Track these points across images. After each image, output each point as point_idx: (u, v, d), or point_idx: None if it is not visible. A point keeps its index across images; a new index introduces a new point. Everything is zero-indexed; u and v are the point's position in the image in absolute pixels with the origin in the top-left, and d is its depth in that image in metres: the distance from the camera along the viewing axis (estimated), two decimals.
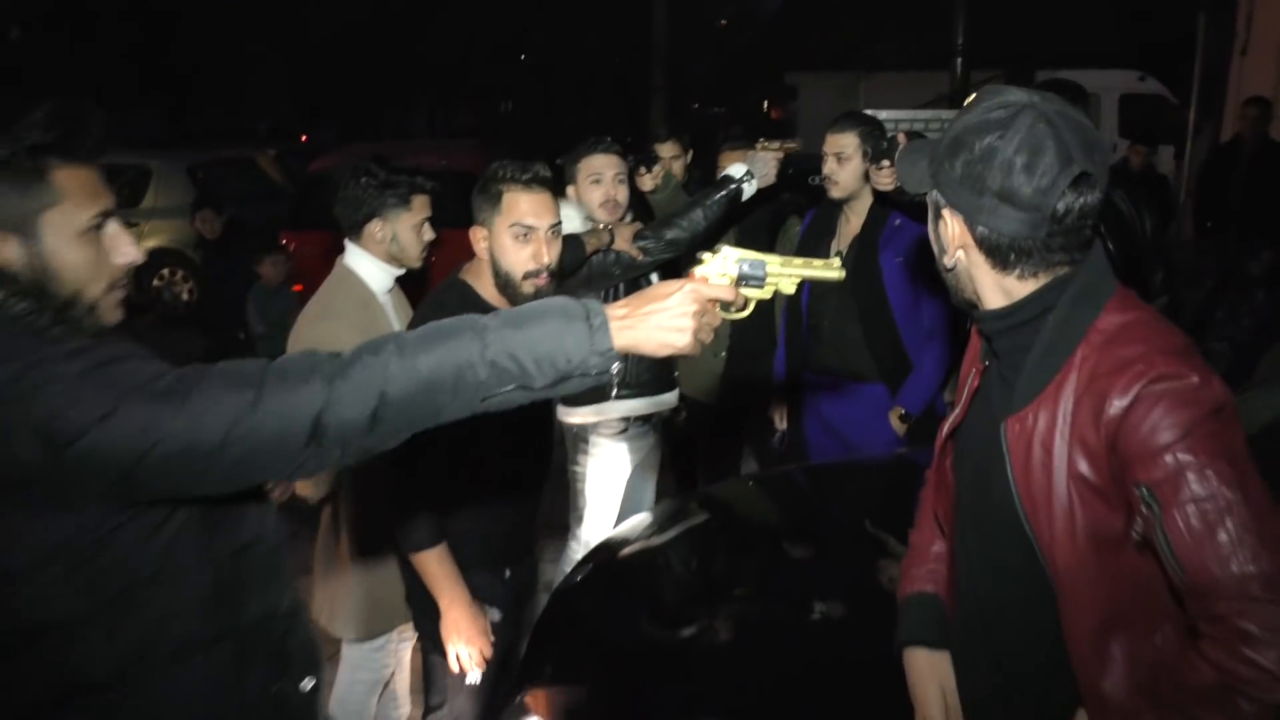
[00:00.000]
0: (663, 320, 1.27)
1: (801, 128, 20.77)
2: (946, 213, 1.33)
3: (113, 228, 1.32)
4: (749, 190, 3.13)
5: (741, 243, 3.64)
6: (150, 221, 9.00)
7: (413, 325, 1.97)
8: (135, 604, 1.26)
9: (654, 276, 3.26)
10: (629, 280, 3.12)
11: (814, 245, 3.31)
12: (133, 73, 26.95)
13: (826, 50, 19.80)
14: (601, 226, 3.02)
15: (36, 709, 1.25)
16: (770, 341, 3.58)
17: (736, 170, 3.14)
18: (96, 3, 26.69)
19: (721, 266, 1.44)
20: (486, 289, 2.21)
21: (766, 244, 3.66)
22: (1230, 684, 1.13)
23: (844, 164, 3.13)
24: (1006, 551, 1.36)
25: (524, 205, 2.14)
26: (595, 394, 3.11)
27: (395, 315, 2.58)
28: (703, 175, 4.38)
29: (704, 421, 3.83)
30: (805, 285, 3.26)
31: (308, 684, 1.47)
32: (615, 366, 1.28)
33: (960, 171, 1.28)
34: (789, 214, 3.86)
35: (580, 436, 3.24)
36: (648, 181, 3.43)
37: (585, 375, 1.26)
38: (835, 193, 3.17)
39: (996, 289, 1.34)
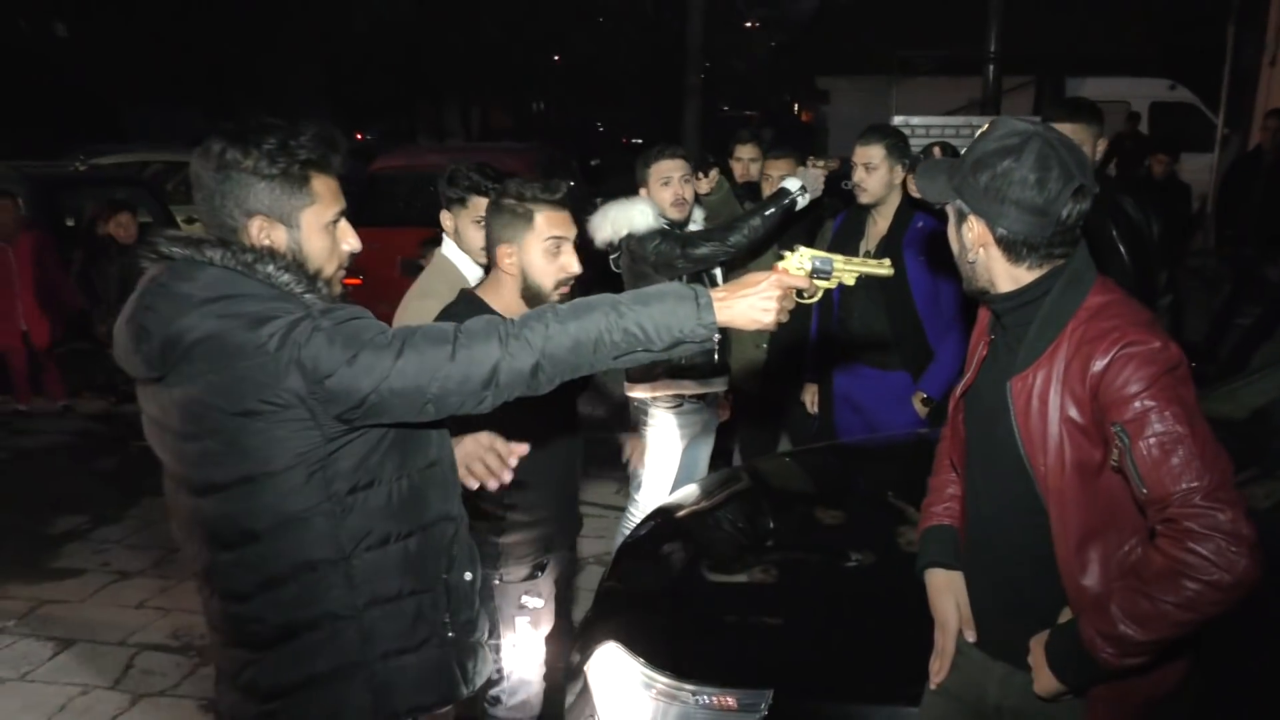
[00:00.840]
0: (754, 302, 1.65)
1: (833, 131, 21.04)
2: (972, 218, 1.68)
3: (343, 223, 1.69)
4: (802, 203, 3.53)
5: (787, 246, 4.03)
6: None
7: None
8: (354, 501, 1.61)
9: (717, 272, 3.69)
10: (693, 274, 3.51)
11: (844, 245, 3.66)
12: (178, 70, 27.63)
13: (858, 55, 19.97)
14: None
15: (274, 580, 1.61)
16: (807, 337, 3.95)
17: (792, 184, 3.53)
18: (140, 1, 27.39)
19: (799, 262, 1.80)
20: (497, 303, 2.31)
21: (805, 243, 4.01)
22: (1177, 569, 1.48)
23: (872, 173, 3.51)
24: (1009, 484, 1.70)
25: (557, 221, 2.30)
26: (651, 371, 3.52)
27: None
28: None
29: (746, 408, 4.20)
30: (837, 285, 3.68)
31: (468, 576, 1.81)
32: (715, 336, 1.65)
33: (984, 185, 1.63)
34: (826, 217, 4.21)
35: (641, 409, 3.63)
36: (704, 185, 3.86)
37: (693, 342, 1.62)
38: (864, 199, 3.55)
39: (1008, 277, 1.69)
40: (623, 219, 3.49)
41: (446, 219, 2.94)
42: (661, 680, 2.19)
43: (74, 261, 6.37)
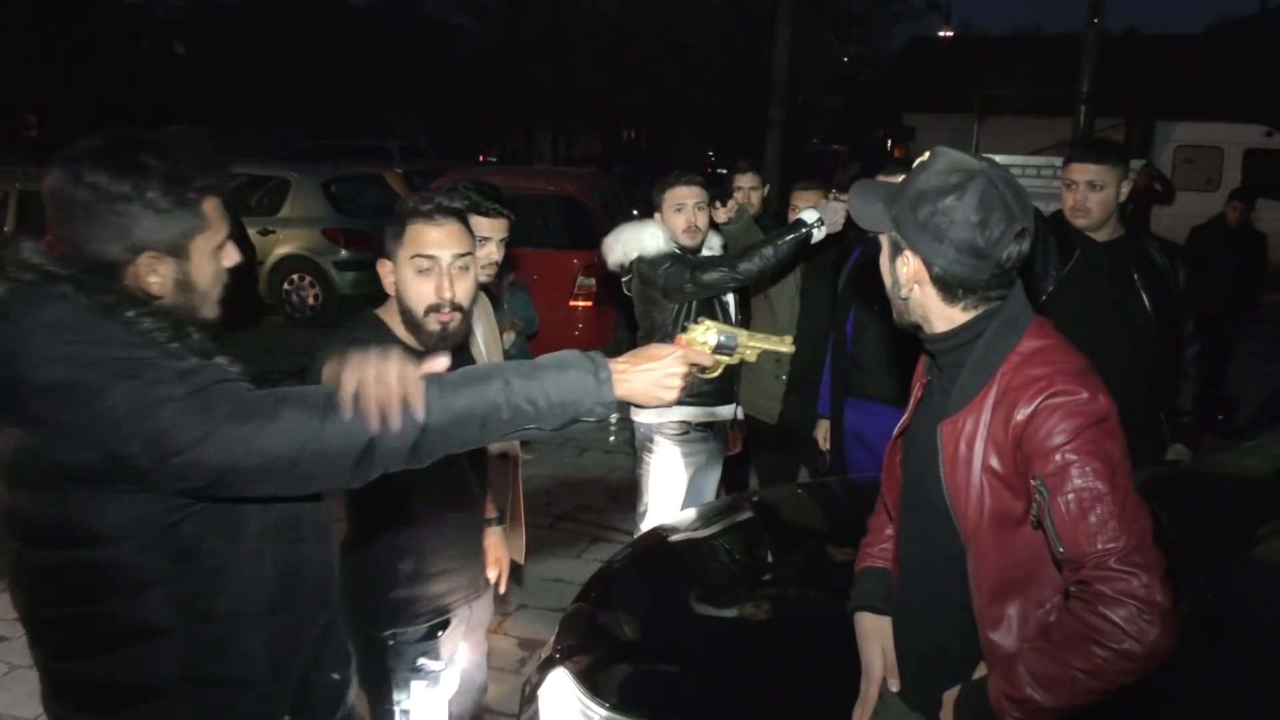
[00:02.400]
0: (657, 378, 1.56)
1: None
2: (908, 253, 1.60)
3: (228, 244, 1.57)
4: (818, 235, 3.44)
5: (810, 279, 3.99)
6: (286, 230, 9.76)
7: (323, 355, 1.95)
8: (196, 571, 1.45)
9: (730, 299, 3.63)
10: (704, 300, 3.47)
11: (861, 280, 3.59)
12: (285, 90, 28.82)
13: (945, 92, 19.76)
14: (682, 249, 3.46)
15: (95, 644, 1.45)
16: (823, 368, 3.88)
17: (810, 215, 3.44)
18: (255, 24, 28.70)
19: (702, 336, 1.75)
20: (398, 324, 2.14)
21: (831, 280, 3.95)
22: (1087, 633, 1.40)
23: None
24: (935, 529, 1.64)
25: (426, 236, 2.05)
26: None
27: (478, 314, 2.93)
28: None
29: (763, 439, 4.13)
30: (850, 316, 3.62)
31: (335, 676, 1.67)
32: (614, 416, 1.53)
33: (922, 221, 1.56)
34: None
35: (646, 437, 3.59)
36: (722, 214, 3.82)
37: (590, 419, 1.51)
38: None
39: (942, 316, 1.62)
40: (633, 241, 3.49)
41: None
42: (599, 711, 2.15)
43: None
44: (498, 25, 30.64)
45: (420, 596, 2.26)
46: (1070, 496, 1.43)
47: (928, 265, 1.58)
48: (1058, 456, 1.45)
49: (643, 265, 3.44)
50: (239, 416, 1.33)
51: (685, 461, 3.59)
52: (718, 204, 3.77)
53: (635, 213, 8.68)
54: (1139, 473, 1.58)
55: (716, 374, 1.77)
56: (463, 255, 2.09)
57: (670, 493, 3.61)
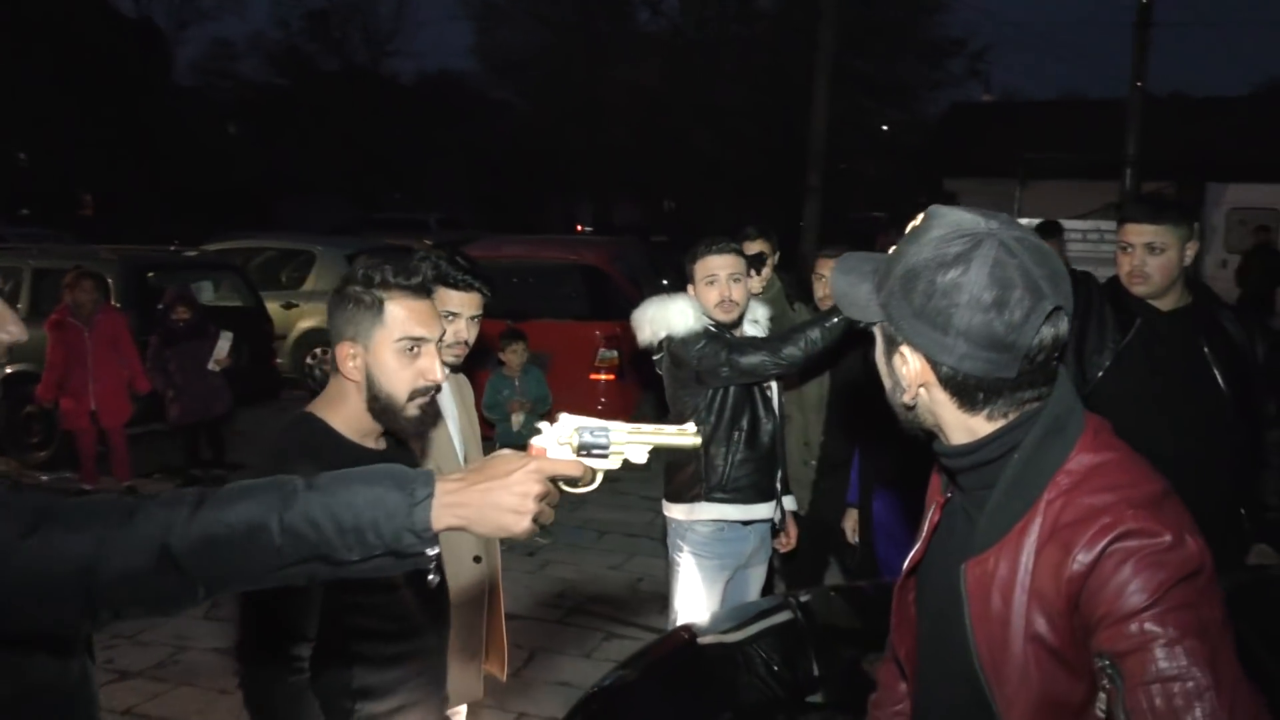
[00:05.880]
0: (501, 500, 1.17)
1: None
2: (906, 350, 1.22)
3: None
4: None
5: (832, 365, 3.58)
6: (309, 303, 9.64)
7: (262, 463, 1.72)
8: None
9: (773, 386, 3.21)
10: (743, 386, 3.08)
11: None
12: (331, 164, 29.43)
13: (986, 158, 19.49)
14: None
15: None
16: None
17: None
18: (304, 103, 29.45)
19: (560, 435, 1.33)
20: (341, 420, 1.84)
21: (862, 363, 3.55)
22: None
23: None
24: (962, 706, 1.23)
25: (414, 314, 1.80)
26: (688, 490, 3.10)
27: (452, 398, 2.63)
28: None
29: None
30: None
31: None
32: (432, 550, 1.15)
33: (919, 306, 1.18)
34: None
35: (677, 535, 3.18)
36: (756, 284, 3.46)
37: (399, 555, 1.13)
38: None
39: (960, 426, 1.23)
40: (660, 319, 3.08)
41: None
42: None
43: (149, 344, 6.46)
44: (537, 98, 31.12)
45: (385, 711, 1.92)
46: (1155, 689, 1.04)
47: (933, 364, 1.20)
48: (1134, 627, 1.06)
49: (674, 344, 3.05)
50: None
51: (718, 564, 3.14)
52: (752, 272, 3.40)
53: (665, 283, 8.46)
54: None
55: (592, 486, 1.34)
56: (442, 335, 1.88)
57: (701, 600, 3.15)
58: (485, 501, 1.16)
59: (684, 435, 1.37)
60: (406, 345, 1.78)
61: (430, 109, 31.61)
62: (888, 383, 1.30)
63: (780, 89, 24.78)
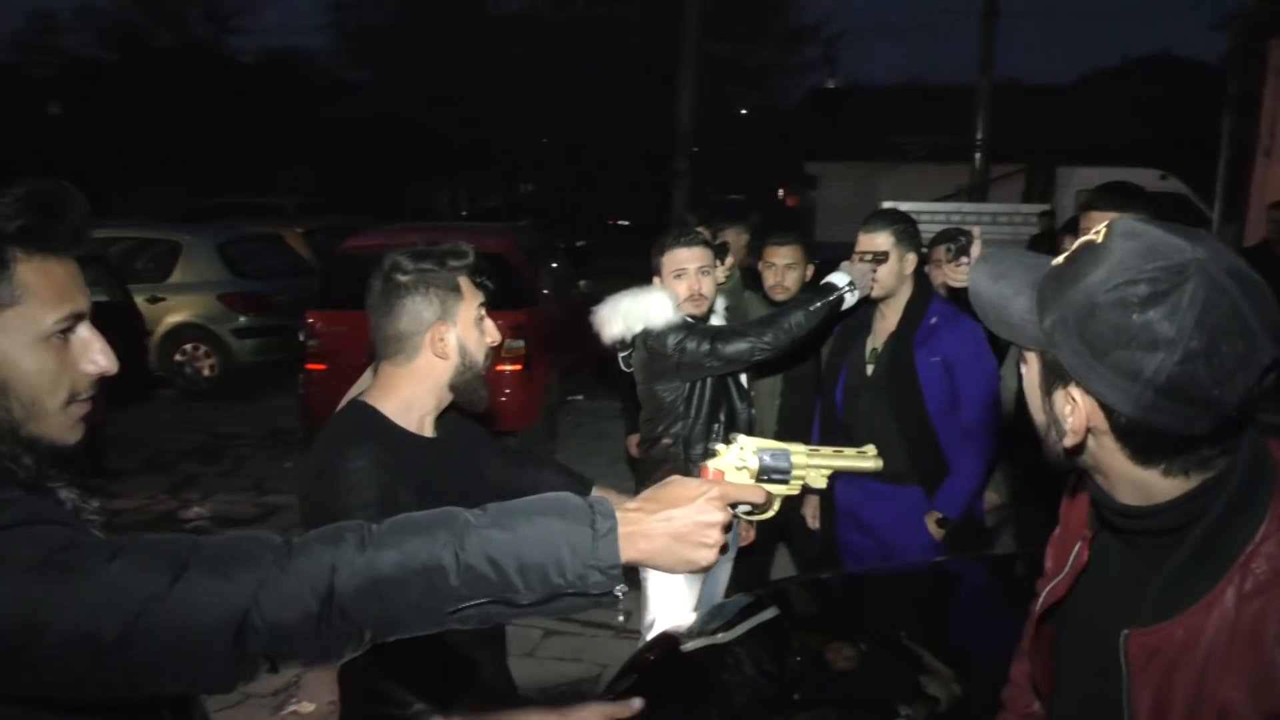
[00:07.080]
0: (684, 531, 1.07)
1: (820, 216, 21.07)
2: (1075, 389, 1.03)
3: (85, 331, 1.14)
4: (850, 300, 3.04)
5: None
6: (177, 296, 9.05)
7: (316, 448, 1.73)
8: None
9: (744, 375, 3.20)
10: (718, 376, 3.05)
11: (849, 343, 3.27)
12: (167, 150, 27.68)
13: (847, 141, 20.10)
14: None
15: None
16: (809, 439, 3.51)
17: (840, 278, 3.04)
18: (135, 82, 27.57)
19: (740, 458, 1.26)
20: (392, 408, 1.85)
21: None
22: None
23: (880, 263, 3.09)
24: None
25: (475, 287, 1.94)
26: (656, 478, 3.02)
27: None
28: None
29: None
30: (840, 377, 3.26)
31: None
32: (620, 589, 1.04)
33: (1102, 348, 0.98)
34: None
35: None
36: (720, 273, 3.44)
37: (583, 595, 1.03)
38: (876, 291, 3.11)
39: (1130, 482, 1.06)
40: (637, 313, 3.02)
41: None
42: None
43: None
44: (398, 78, 30.16)
45: None
46: None
47: (1108, 411, 1.02)
48: None
49: (651, 339, 2.99)
50: (47, 566, 0.93)
51: None
52: (717, 262, 3.37)
53: (555, 265, 8.35)
54: None
55: (770, 513, 1.26)
56: None
57: (674, 594, 3.10)
58: (669, 531, 1.07)
59: (865, 458, 1.36)
60: (479, 315, 1.88)
61: (278, 88, 30.15)
62: (1040, 418, 1.12)
63: (647, 72, 24.85)
